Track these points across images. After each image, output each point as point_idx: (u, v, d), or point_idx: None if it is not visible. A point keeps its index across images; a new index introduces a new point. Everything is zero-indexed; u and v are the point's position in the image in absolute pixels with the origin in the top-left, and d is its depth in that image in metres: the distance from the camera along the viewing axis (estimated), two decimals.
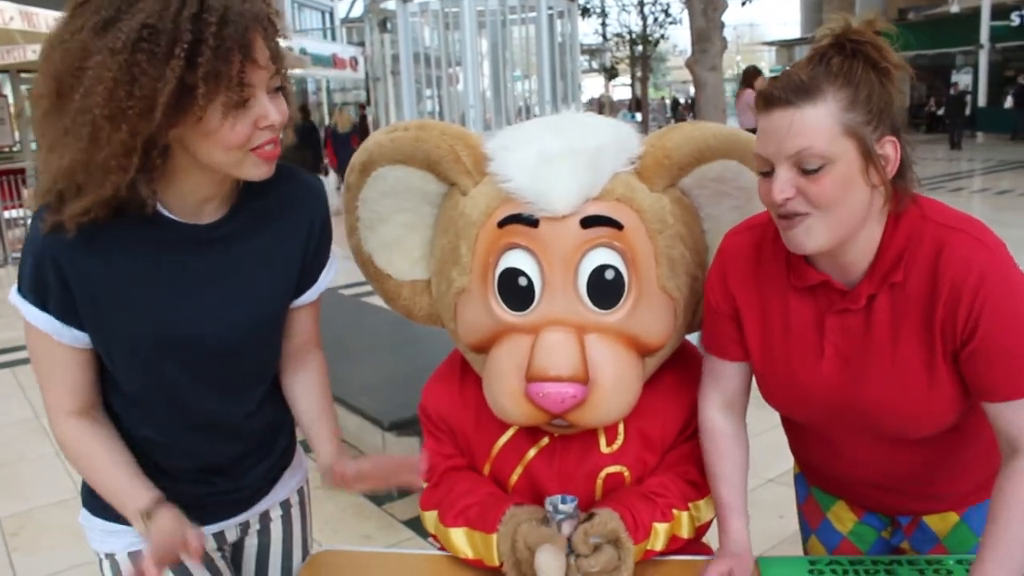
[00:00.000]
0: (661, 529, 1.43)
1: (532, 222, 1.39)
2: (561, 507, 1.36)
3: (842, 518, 1.56)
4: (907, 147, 1.21)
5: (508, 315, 1.42)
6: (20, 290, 1.25)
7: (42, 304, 1.23)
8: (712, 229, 1.52)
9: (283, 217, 1.35)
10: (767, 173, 1.20)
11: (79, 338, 1.26)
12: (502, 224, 1.41)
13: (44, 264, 1.20)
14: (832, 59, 1.17)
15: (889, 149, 1.18)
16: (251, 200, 1.32)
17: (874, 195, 1.20)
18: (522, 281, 1.40)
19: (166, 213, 1.24)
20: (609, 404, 1.38)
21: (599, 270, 1.39)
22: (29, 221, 8.88)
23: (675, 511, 1.46)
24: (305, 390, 1.50)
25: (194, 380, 1.32)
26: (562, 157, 1.39)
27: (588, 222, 1.38)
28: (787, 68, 1.24)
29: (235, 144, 1.14)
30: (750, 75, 8.38)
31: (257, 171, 1.21)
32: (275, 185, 1.29)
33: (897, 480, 1.42)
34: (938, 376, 1.24)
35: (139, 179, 1.15)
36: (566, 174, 1.38)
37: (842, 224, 1.19)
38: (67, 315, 1.23)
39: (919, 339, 1.24)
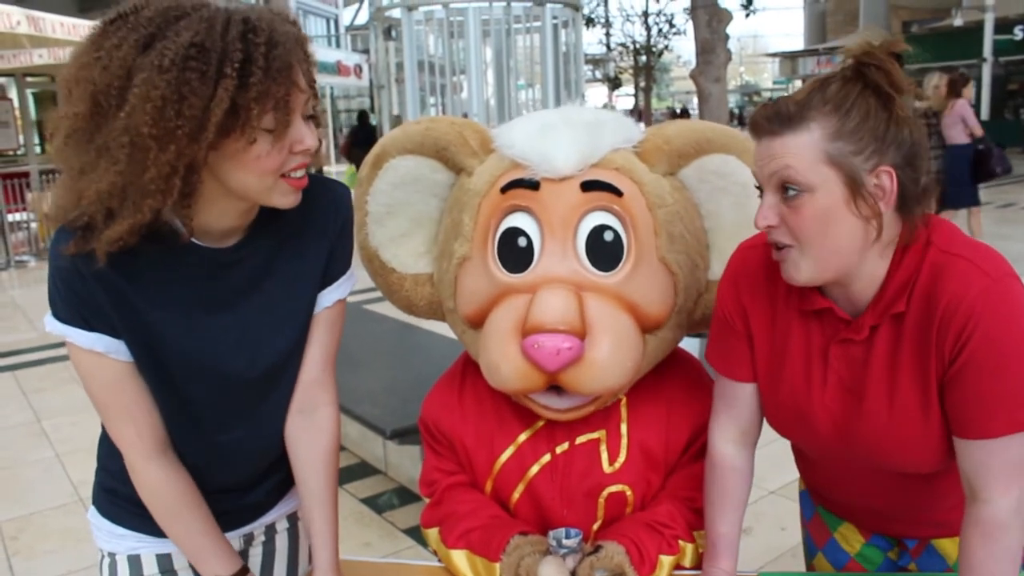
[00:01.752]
0: (667, 562, 1.41)
1: (533, 184, 1.41)
2: (565, 542, 1.35)
3: (849, 539, 1.54)
4: (913, 176, 1.15)
5: (507, 276, 1.42)
6: (57, 316, 1.18)
7: (86, 324, 1.17)
8: (712, 227, 1.53)
9: (305, 230, 1.31)
10: (761, 195, 1.19)
11: (128, 354, 1.21)
12: (505, 189, 1.44)
13: (77, 282, 1.14)
14: (831, 85, 1.14)
15: (885, 180, 1.12)
16: (271, 217, 1.27)
17: (867, 228, 1.14)
18: (521, 242, 1.41)
19: (191, 239, 1.21)
20: (607, 363, 1.34)
21: (598, 230, 1.40)
22: (33, 225, 8.83)
23: (681, 543, 1.44)
24: (310, 461, 1.39)
25: (218, 405, 1.30)
26: (563, 125, 1.45)
27: (588, 186, 1.40)
28: (784, 96, 1.20)
29: (271, 169, 1.12)
30: (957, 83, 7.15)
31: (285, 200, 1.17)
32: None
33: (901, 509, 1.40)
34: (932, 412, 1.20)
35: (173, 206, 1.11)
36: (566, 137, 1.43)
37: (829, 258, 1.15)
38: (114, 330, 1.18)
39: (916, 373, 1.20)
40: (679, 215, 1.46)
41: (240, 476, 1.41)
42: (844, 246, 1.15)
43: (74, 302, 1.16)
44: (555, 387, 1.38)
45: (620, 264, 1.41)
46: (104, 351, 1.19)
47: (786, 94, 1.21)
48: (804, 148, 1.11)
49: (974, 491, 1.18)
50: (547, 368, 1.32)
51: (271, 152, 1.10)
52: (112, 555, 1.42)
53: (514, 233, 1.42)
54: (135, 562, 1.40)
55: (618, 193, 1.41)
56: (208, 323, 1.24)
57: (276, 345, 1.32)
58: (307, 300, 1.35)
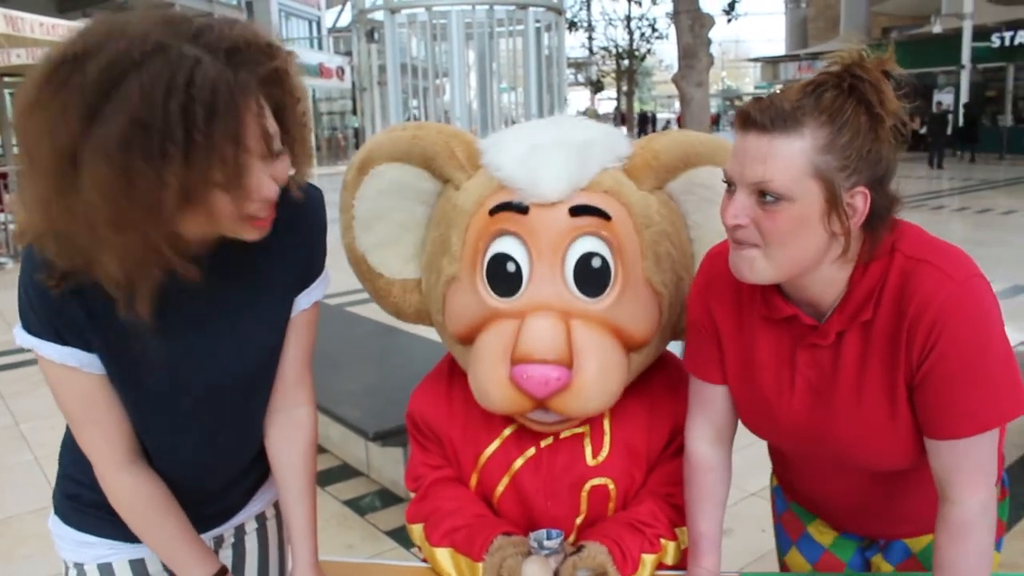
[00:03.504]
0: (648, 560, 1.43)
1: (522, 209, 1.41)
2: (547, 543, 1.36)
3: (822, 531, 1.57)
4: (883, 196, 1.15)
5: (495, 301, 1.43)
6: (29, 329, 1.16)
7: (59, 338, 1.16)
8: (698, 238, 1.54)
9: (280, 234, 1.24)
10: (731, 190, 1.17)
11: (101, 367, 1.19)
12: (493, 212, 1.43)
13: (52, 297, 1.12)
14: (826, 92, 1.12)
15: (859, 200, 1.12)
16: None
17: (832, 242, 1.15)
18: (510, 267, 1.42)
19: None
20: (592, 390, 1.37)
21: (586, 257, 1.41)
22: (11, 227, 8.68)
23: (663, 541, 1.46)
24: (289, 459, 1.41)
25: (201, 415, 1.29)
26: (553, 147, 1.44)
27: (577, 211, 1.41)
28: (776, 90, 1.19)
29: (230, 217, 1.07)
30: None
31: (251, 235, 1.13)
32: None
33: (870, 507, 1.42)
34: (900, 413, 1.22)
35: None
36: (556, 162, 1.42)
37: (789, 262, 1.16)
38: (88, 344, 1.17)
39: (884, 376, 1.21)
40: (666, 233, 1.47)
41: (217, 484, 1.40)
42: (808, 255, 1.16)
43: (47, 316, 1.15)
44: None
45: (607, 290, 1.42)
46: (77, 365, 1.18)
47: (776, 91, 1.19)
48: (794, 156, 1.10)
49: (944, 491, 1.20)
50: (536, 396, 1.36)
51: (228, 204, 1.05)
52: (79, 565, 1.39)
53: (503, 258, 1.43)
54: (106, 570, 1.38)
55: (607, 217, 1.41)
56: (187, 332, 1.22)
57: (256, 349, 1.32)
58: (285, 303, 1.34)
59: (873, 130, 1.11)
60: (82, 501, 1.35)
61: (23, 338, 1.18)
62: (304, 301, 1.36)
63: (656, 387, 1.56)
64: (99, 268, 1.04)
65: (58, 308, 1.13)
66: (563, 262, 1.41)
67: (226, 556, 1.51)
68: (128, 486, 1.26)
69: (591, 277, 1.41)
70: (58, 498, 1.41)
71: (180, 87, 0.95)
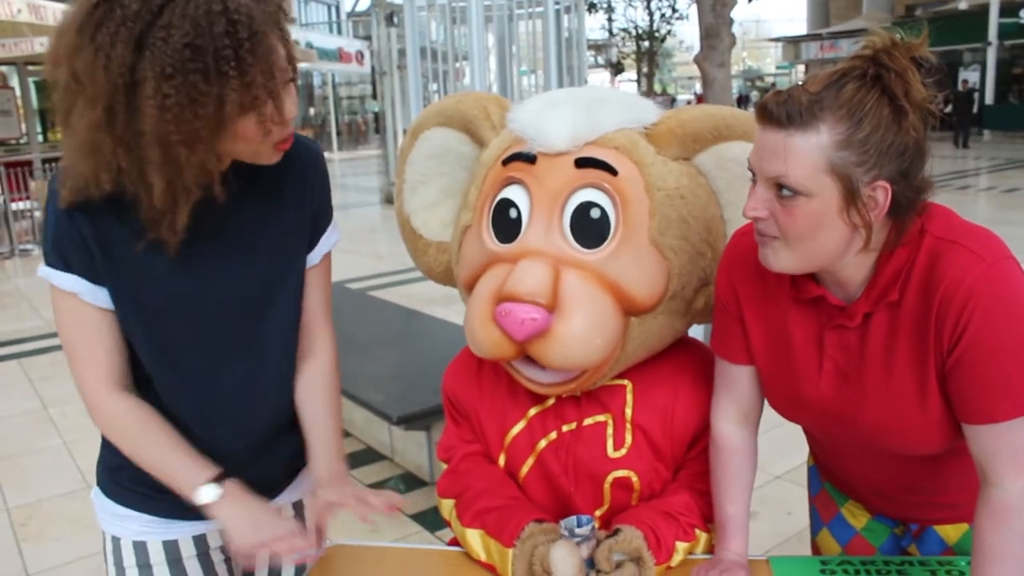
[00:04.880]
0: (682, 548, 1.43)
1: (530, 158, 1.44)
2: (578, 530, 1.35)
3: (855, 514, 1.56)
4: (907, 186, 1.12)
5: (495, 245, 1.45)
6: (46, 260, 1.25)
7: (66, 266, 1.23)
8: (732, 218, 1.51)
9: (283, 176, 1.36)
10: (754, 180, 1.17)
11: (107, 300, 1.25)
12: (506, 162, 1.47)
13: (64, 222, 1.20)
14: (847, 84, 1.09)
15: (880, 194, 1.11)
16: (254, 168, 1.31)
17: (854, 235, 1.14)
18: (512, 213, 1.44)
19: None
20: (572, 338, 1.35)
21: (584, 207, 1.40)
22: (37, 214, 8.83)
23: (697, 531, 1.46)
24: (310, 388, 1.46)
25: (208, 345, 1.32)
26: (566, 101, 1.49)
27: (582, 163, 1.42)
28: (798, 84, 1.15)
29: (264, 140, 1.20)
30: None
31: (272, 159, 1.26)
32: None
33: (902, 491, 1.41)
34: (930, 397, 1.20)
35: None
36: (565, 113, 1.45)
37: (812, 256, 1.16)
38: (92, 273, 1.23)
39: (913, 359, 1.20)
40: (683, 199, 1.45)
41: (243, 435, 1.40)
42: (828, 249, 1.15)
43: (59, 243, 1.22)
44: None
45: (605, 243, 1.40)
46: (77, 292, 1.24)
47: (798, 82, 1.17)
48: (809, 152, 1.09)
49: (986, 475, 1.18)
50: (514, 336, 1.34)
51: (265, 127, 1.17)
52: (116, 539, 1.42)
53: (507, 204, 1.45)
54: (141, 548, 1.40)
55: (612, 172, 1.41)
56: (196, 254, 1.27)
57: (263, 291, 1.35)
58: (293, 238, 1.39)
59: (896, 122, 1.09)
60: (121, 475, 1.37)
61: (41, 269, 1.26)
62: (319, 252, 1.44)
63: (681, 376, 1.54)
64: (145, 191, 1.14)
65: (68, 235, 1.21)
66: (562, 211, 1.40)
67: None
68: (119, 411, 1.29)
69: (588, 227, 1.40)
70: (100, 470, 1.44)
71: (219, 12, 1.06)
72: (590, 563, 1.35)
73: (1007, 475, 1.16)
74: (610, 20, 29.38)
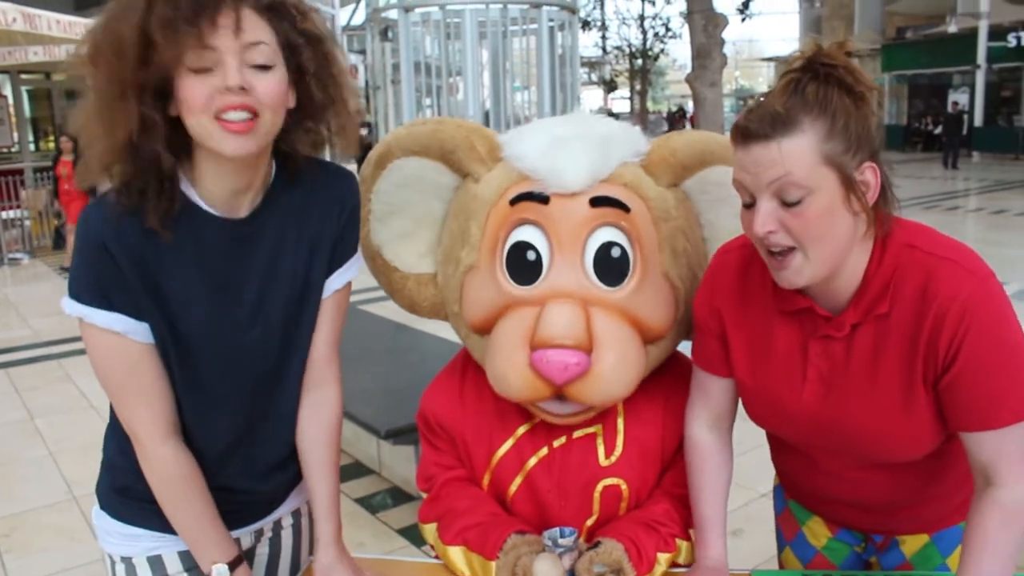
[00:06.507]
0: (663, 559, 1.44)
1: (543, 199, 1.43)
2: (561, 541, 1.37)
3: (816, 533, 1.58)
4: (886, 169, 1.20)
5: (515, 288, 1.44)
6: (78, 297, 1.19)
7: (107, 302, 1.19)
8: (711, 237, 1.55)
9: (314, 205, 1.35)
10: (749, 205, 1.19)
11: (148, 335, 1.22)
12: (514, 202, 1.45)
13: (104, 258, 1.16)
14: (806, 87, 1.15)
15: (869, 175, 1.17)
16: (283, 191, 1.32)
17: (857, 222, 1.19)
18: (530, 255, 1.44)
19: (204, 206, 1.24)
20: (611, 377, 1.38)
21: (606, 247, 1.42)
22: (27, 223, 8.76)
23: (678, 541, 1.47)
24: (315, 435, 1.44)
25: (239, 384, 1.32)
26: (574, 139, 1.46)
27: (597, 201, 1.43)
28: (759, 100, 1.21)
29: (196, 107, 1.13)
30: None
31: (226, 144, 1.16)
32: (308, 174, 1.33)
33: (875, 501, 1.43)
34: (916, 404, 1.24)
35: (180, 167, 1.20)
36: (578, 154, 1.44)
37: (831, 256, 1.18)
38: (134, 309, 1.20)
39: (899, 368, 1.23)
40: (682, 229, 1.49)
41: (259, 468, 1.41)
42: (842, 243, 1.19)
43: (97, 280, 1.18)
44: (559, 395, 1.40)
45: (626, 279, 1.43)
46: (123, 331, 1.20)
47: (760, 99, 1.22)
48: (804, 150, 1.13)
49: (988, 479, 1.22)
50: (555, 382, 1.36)
51: (195, 89, 1.12)
52: (127, 559, 1.39)
53: (523, 246, 1.44)
54: (156, 563, 1.38)
55: (626, 209, 1.43)
56: (226, 297, 1.27)
57: (287, 316, 1.34)
58: (315, 276, 1.37)
59: (859, 108, 1.16)
60: (131, 494, 1.36)
61: (71, 307, 1.20)
62: (336, 282, 1.41)
63: (670, 387, 1.56)
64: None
65: (109, 271, 1.17)
66: (583, 251, 1.42)
67: (263, 551, 1.53)
68: (170, 460, 1.28)
69: (610, 266, 1.43)
70: (104, 492, 1.42)
71: None
72: (572, 574, 1.36)
73: (1011, 477, 1.21)
74: (604, 38, 29.51)
